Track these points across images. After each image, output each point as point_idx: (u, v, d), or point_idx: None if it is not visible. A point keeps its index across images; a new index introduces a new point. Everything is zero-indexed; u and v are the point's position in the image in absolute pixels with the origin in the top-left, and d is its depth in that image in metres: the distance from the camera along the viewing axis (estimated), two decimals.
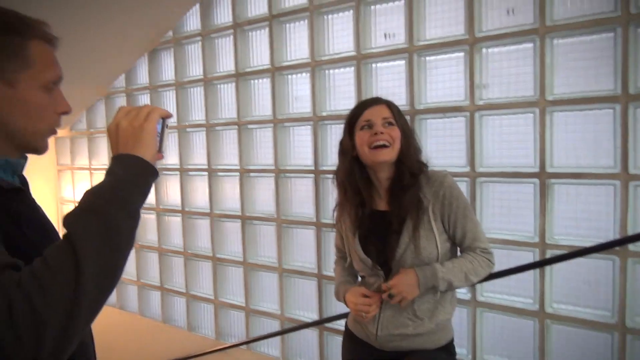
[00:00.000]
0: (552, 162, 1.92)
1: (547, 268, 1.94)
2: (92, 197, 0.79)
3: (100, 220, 0.75)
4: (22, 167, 0.98)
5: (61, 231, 0.79)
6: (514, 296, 2.06)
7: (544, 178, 1.92)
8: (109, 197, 0.78)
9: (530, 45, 1.94)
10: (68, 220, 0.75)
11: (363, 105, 1.63)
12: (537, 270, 1.96)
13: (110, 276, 0.75)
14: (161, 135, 0.91)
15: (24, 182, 1.01)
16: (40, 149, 0.95)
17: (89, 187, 0.80)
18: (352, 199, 1.66)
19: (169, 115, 0.93)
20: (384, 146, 1.53)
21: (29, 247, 0.84)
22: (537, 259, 1.97)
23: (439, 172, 1.59)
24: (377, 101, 1.62)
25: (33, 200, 1.01)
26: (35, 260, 0.73)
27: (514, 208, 2.03)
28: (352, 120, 1.62)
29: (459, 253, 1.62)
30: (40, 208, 1.03)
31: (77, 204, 0.78)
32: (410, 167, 1.55)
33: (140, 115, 0.88)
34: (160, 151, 0.90)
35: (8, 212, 0.85)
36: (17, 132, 0.90)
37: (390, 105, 1.61)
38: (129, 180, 0.83)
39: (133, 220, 0.80)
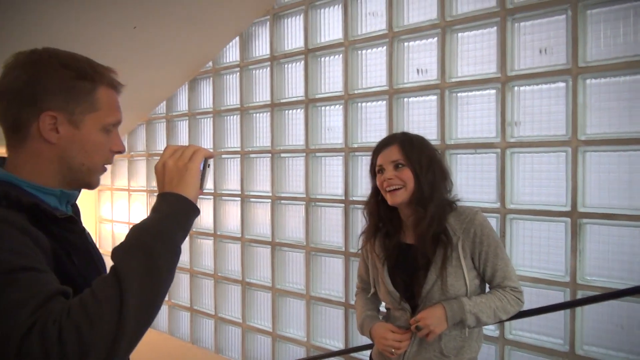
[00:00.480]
0: (584, 202, 1.90)
1: (578, 309, 1.91)
2: (138, 232, 0.83)
3: (145, 256, 0.79)
4: (75, 198, 1.05)
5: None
6: (544, 335, 2.03)
7: (575, 217, 1.91)
8: (153, 234, 0.83)
9: (562, 84, 1.96)
10: (116, 254, 0.80)
11: (377, 150, 1.66)
12: (568, 311, 1.93)
13: (150, 310, 0.79)
14: (203, 173, 0.97)
15: (76, 211, 1.07)
16: (92, 185, 1.02)
17: (136, 223, 0.86)
18: (379, 229, 1.70)
19: (212, 156, 0.99)
20: (396, 189, 1.57)
21: (77, 274, 0.89)
22: (568, 298, 1.95)
23: (470, 208, 1.60)
24: (389, 142, 1.63)
25: (83, 229, 1.08)
26: (84, 291, 0.77)
27: (545, 246, 2.02)
28: (372, 162, 1.68)
29: (487, 290, 1.62)
30: (89, 236, 1.09)
31: (125, 238, 0.83)
32: (422, 202, 1.56)
33: (185, 155, 0.94)
34: (201, 188, 0.96)
35: (60, 240, 0.91)
36: (75, 167, 0.97)
37: (403, 143, 1.61)
38: (172, 218, 0.87)
39: (174, 256, 0.84)
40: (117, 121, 1.01)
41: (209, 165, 0.99)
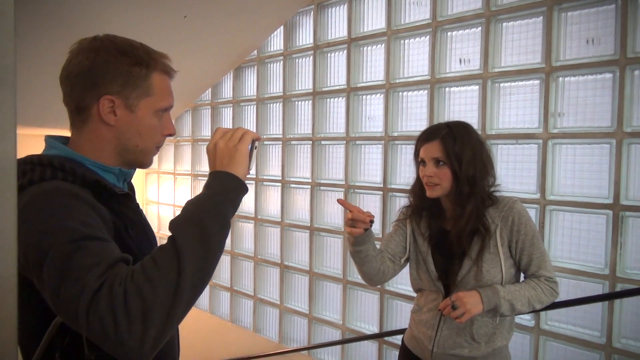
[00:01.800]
0: (627, 195, 1.88)
1: (617, 302, 1.90)
2: (193, 207, 0.90)
3: (199, 228, 0.86)
4: (131, 176, 1.13)
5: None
6: (580, 327, 2.03)
7: (617, 210, 1.90)
8: (207, 209, 0.90)
9: (609, 75, 1.93)
10: (173, 226, 0.87)
11: (421, 139, 1.67)
12: (606, 304, 1.93)
13: (203, 277, 0.85)
14: (250, 154, 1.04)
15: (132, 189, 1.15)
16: (145, 164, 1.10)
17: (190, 199, 0.93)
18: (426, 209, 1.73)
19: (259, 138, 1.05)
20: (434, 184, 1.60)
21: (134, 246, 0.97)
22: (607, 291, 1.94)
23: (509, 197, 1.62)
24: (432, 136, 1.62)
25: (138, 205, 1.16)
26: (145, 258, 0.84)
27: (584, 238, 2.01)
28: (415, 150, 1.71)
29: (522, 279, 1.64)
30: (142, 212, 1.18)
31: (180, 212, 0.90)
32: (458, 200, 1.58)
33: (234, 137, 1.00)
34: (249, 168, 1.02)
35: (119, 215, 0.99)
36: (130, 148, 1.05)
37: (445, 138, 1.60)
38: (223, 194, 0.94)
39: (225, 229, 0.91)
40: (169, 106, 1.07)
41: (255, 147, 1.06)
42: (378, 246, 1.79)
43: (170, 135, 1.11)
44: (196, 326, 4.11)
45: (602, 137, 1.95)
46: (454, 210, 1.61)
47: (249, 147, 1.02)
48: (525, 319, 2.13)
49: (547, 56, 2.08)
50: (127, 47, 1.03)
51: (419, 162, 1.65)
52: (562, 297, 1.74)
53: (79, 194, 0.91)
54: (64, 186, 0.92)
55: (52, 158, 0.96)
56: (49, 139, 1.03)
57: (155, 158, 4.54)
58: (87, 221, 0.87)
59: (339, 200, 1.60)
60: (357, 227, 1.57)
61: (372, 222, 1.57)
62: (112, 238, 0.91)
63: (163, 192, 4.55)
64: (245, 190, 1.00)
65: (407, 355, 1.82)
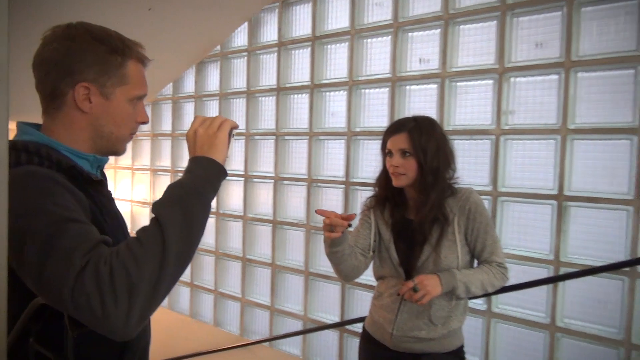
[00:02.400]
0: (570, 186, 2.06)
1: (560, 285, 2.07)
2: (176, 190, 0.93)
3: (182, 209, 0.89)
4: (104, 163, 1.15)
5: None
6: (528, 309, 2.19)
7: (561, 200, 2.07)
8: (188, 191, 0.93)
9: (555, 77, 2.10)
10: (156, 208, 0.90)
11: (388, 132, 1.77)
12: (551, 286, 2.09)
13: (186, 255, 0.89)
14: (228, 142, 1.09)
15: (104, 177, 1.17)
16: (119, 151, 1.12)
17: (172, 182, 0.95)
18: (388, 200, 1.83)
19: (237, 127, 1.09)
20: (400, 174, 1.71)
21: (109, 231, 0.99)
22: (551, 275, 2.10)
23: (466, 188, 1.74)
24: (399, 129, 1.72)
25: (110, 193, 1.18)
26: (128, 238, 0.86)
27: (531, 227, 2.17)
28: (383, 142, 1.81)
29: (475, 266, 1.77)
30: (114, 200, 1.21)
31: (162, 195, 0.92)
32: (423, 189, 1.69)
33: (214, 124, 1.03)
34: (226, 156, 1.08)
35: (94, 200, 1.01)
36: (105, 135, 1.06)
37: (412, 131, 1.69)
38: (204, 178, 0.97)
39: (206, 210, 0.94)
40: (143, 94, 1.09)
41: (233, 135, 1.11)
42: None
43: (144, 123, 1.13)
44: (155, 323, 4.05)
45: (548, 134, 2.11)
46: (418, 199, 1.72)
47: (227, 134, 1.08)
48: (478, 303, 2.27)
49: (500, 58, 2.23)
50: (103, 35, 1.05)
51: (386, 153, 1.75)
52: (511, 281, 1.89)
53: (56, 178, 0.93)
54: (41, 170, 0.93)
55: (27, 143, 0.97)
56: (22, 124, 1.04)
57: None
58: (66, 204, 0.89)
59: (317, 211, 1.66)
60: (335, 231, 1.64)
61: (350, 225, 1.64)
62: (90, 222, 0.92)
63: (120, 188, 4.46)
64: (224, 174, 1.03)
65: (368, 340, 1.91)
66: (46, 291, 0.82)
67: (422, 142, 1.68)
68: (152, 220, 0.89)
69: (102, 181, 1.12)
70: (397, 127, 1.75)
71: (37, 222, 0.83)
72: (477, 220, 1.69)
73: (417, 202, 1.76)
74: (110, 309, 0.78)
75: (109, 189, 1.18)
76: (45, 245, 0.81)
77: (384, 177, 1.82)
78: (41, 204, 0.86)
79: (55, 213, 0.85)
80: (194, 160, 1.01)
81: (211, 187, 0.99)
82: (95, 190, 1.06)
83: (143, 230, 0.88)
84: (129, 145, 3.66)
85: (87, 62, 1.01)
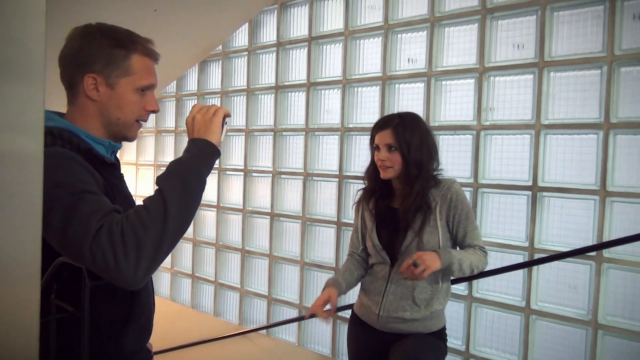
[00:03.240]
0: (543, 178, 2.20)
1: (534, 270, 2.21)
2: (176, 165, 1.10)
3: (182, 182, 1.05)
4: (118, 149, 1.30)
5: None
6: (505, 294, 2.33)
7: (535, 191, 2.21)
8: (187, 166, 1.09)
9: (531, 76, 2.25)
10: (160, 180, 1.06)
11: (376, 128, 1.92)
12: (526, 272, 2.23)
13: (185, 220, 1.04)
14: (222, 128, 1.25)
15: (118, 161, 1.32)
16: (129, 136, 1.25)
17: (173, 159, 1.11)
18: (375, 192, 2.00)
19: (229, 115, 1.26)
20: (387, 167, 1.87)
21: (119, 208, 1.11)
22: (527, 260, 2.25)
23: (448, 179, 1.89)
24: (386, 125, 1.86)
25: (122, 175, 1.35)
26: (137, 205, 1.05)
27: (509, 217, 2.32)
28: (371, 136, 1.97)
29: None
30: (126, 183, 1.36)
31: (165, 170, 1.08)
32: (407, 181, 1.84)
33: (210, 111, 1.19)
34: (220, 140, 1.22)
35: (107, 180, 1.15)
36: (113, 121, 1.20)
37: (397, 127, 1.83)
38: (200, 155, 1.13)
39: (202, 183, 1.10)
40: (149, 84, 1.21)
41: (226, 122, 1.27)
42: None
43: (154, 111, 1.25)
44: (157, 314, 4.19)
45: (524, 129, 2.26)
46: (404, 189, 1.87)
47: (222, 120, 1.24)
48: (459, 289, 2.42)
49: (481, 58, 2.38)
50: (111, 32, 1.19)
51: (374, 147, 1.90)
52: (490, 267, 2.05)
53: (76, 158, 1.07)
54: (63, 151, 1.07)
55: (52, 128, 1.11)
56: (47, 112, 1.17)
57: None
58: (83, 179, 1.03)
59: (308, 317, 1.98)
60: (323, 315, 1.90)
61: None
62: (104, 195, 1.06)
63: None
64: (218, 153, 1.19)
65: (357, 322, 2.05)
66: (68, 248, 0.97)
67: (406, 137, 1.83)
68: (156, 190, 1.05)
69: (115, 164, 1.28)
70: (383, 123, 1.91)
71: (61, 193, 0.98)
72: (459, 208, 1.83)
73: (402, 192, 1.91)
74: (121, 262, 0.93)
75: (122, 172, 1.34)
76: (68, 211, 0.96)
77: (373, 170, 1.98)
78: (64, 178, 1.01)
79: (75, 185, 1.00)
80: (192, 142, 1.17)
81: (206, 164, 1.14)
82: (109, 172, 1.20)
83: (148, 199, 1.03)
84: (133, 142, 3.78)
85: (94, 55, 1.15)
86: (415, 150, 1.83)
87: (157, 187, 1.05)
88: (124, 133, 1.24)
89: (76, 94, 1.20)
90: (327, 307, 1.88)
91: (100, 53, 1.17)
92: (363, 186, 2.04)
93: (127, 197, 1.31)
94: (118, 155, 1.37)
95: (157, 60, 1.27)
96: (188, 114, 1.18)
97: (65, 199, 0.98)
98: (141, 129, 4.07)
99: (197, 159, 1.13)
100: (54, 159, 1.03)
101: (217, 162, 3.55)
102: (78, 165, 1.06)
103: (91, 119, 1.20)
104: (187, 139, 1.19)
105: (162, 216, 0.99)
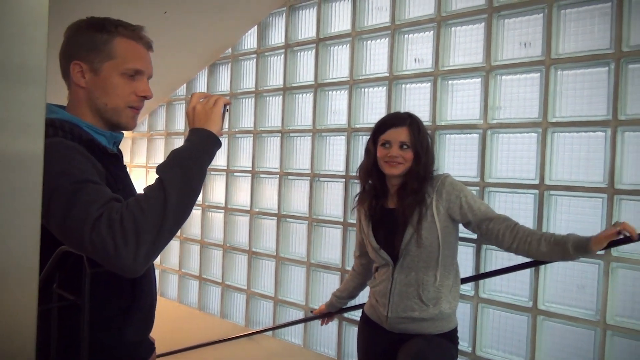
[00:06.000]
0: (551, 176, 2.18)
1: (542, 271, 2.18)
2: (177, 154, 1.11)
3: (182, 170, 1.06)
4: (119, 140, 1.31)
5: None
6: (512, 295, 2.30)
7: (543, 189, 2.19)
8: (187, 155, 1.11)
9: (537, 74, 2.24)
10: (160, 168, 1.08)
11: (388, 123, 1.94)
12: (533, 272, 2.20)
13: (184, 209, 1.06)
14: (223, 116, 1.26)
15: (120, 153, 1.34)
16: (121, 123, 1.26)
17: (174, 149, 1.12)
18: (368, 192, 2.01)
19: (230, 103, 1.27)
20: (398, 163, 1.88)
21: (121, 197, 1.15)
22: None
23: (440, 175, 1.92)
24: (400, 122, 1.90)
25: (125, 167, 1.36)
26: (137, 193, 1.07)
27: (516, 215, 2.26)
28: (377, 133, 1.97)
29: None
30: (129, 174, 1.38)
31: (165, 159, 1.09)
32: (416, 179, 1.87)
33: (210, 101, 1.21)
34: (221, 128, 1.23)
35: (109, 170, 1.18)
36: (101, 107, 1.22)
37: (411, 126, 1.89)
38: (201, 145, 1.15)
39: (202, 173, 1.12)
40: (135, 68, 1.22)
41: (227, 110, 1.28)
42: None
43: (145, 97, 1.25)
44: (165, 315, 4.21)
45: (531, 127, 2.24)
46: (406, 185, 1.89)
47: (222, 109, 1.25)
48: (466, 289, 2.38)
49: (488, 57, 2.37)
50: (95, 20, 1.21)
51: (382, 144, 1.92)
52: (497, 266, 2.03)
53: (78, 148, 1.09)
54: (65, 142, 1.09)
55: (53, 120, 1.14)
56: (49, 105, 1.20)
57: (128, 151, 4.63)
58: (84, 169, 1.05)
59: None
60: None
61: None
62: (105, 184, 1.08)
63: (136, 186, 4.65)
64: (219, 143, 1.21)
65: (367, 322, 2.08)
66: (69, 236, 0.98)
67: (420, 138, 1.90)
68: (156, 179, 1.05)
69: (118, 155, 1.30)
70: (396, 120, 1.94)
71: (62, 182, 0.99)
72: (460, 196, 1.85)
73: (399, 191, 1.93)
74: (120, 249, 0.93)
75: (125, 163, 1.36)
76: (69, 200, 0.97)
77: (371, 166, 1.99)
78: (65, 167, 1.02)
79: (76, 175, 1.01)
80: (192, 131, 1.19)
81: (207, 153, 1.15)
82: (111, 163, 1.22)
83: (148, 187, 1.04)
84: (143, 144, 3.83)
85: (78, 43, 1.18)
86: (425, 151, 1.90)
87: (157, 176, 1.06)
88: (117, 119, 1.24)
89: (69, 84, 1.22)
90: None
91: (83, 40, 1.19)
92: (359, 191, 2.09)
93: (129, 188, 1.33)
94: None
95: (148, 45, 1.27)
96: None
97: (66, 188, 0.98)
98: (152, 132, 4.10)
99: (198, 148, 1.14)
100: (55, 149, 1.04)
101: (225, 164, 3.57)
102: (79, 154, 1.07)
103: (83, 107, 1.22)
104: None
105: (161, 204, 1.00)
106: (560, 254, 1.69)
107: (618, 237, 1.63)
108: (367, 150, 2.03)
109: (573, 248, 1.65)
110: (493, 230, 1.81)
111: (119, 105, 1.23)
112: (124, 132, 1.32)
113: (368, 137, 2.90)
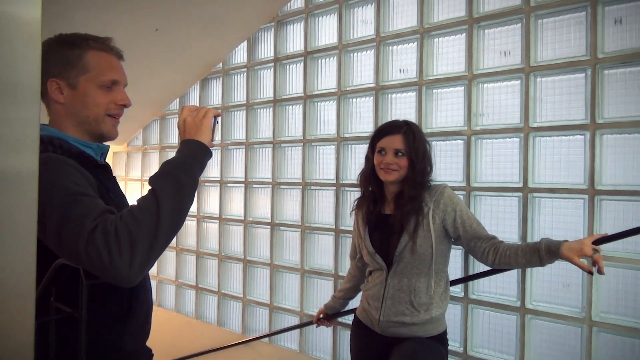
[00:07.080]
0: (533, 179, 2.26)
1: (528, 271, 2.24)
2: (169, 165, 1.14)
3: (174, 181, 1.09)
4: (107, 151, 1.34)
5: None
6: (500, 295, 2.37)
7: (526, 192, 2.26)
8: (179, 166, 1.13)
9: (517, 81, 2.32)
10: (152, 179, 1.10)
11: (384, 131, 1.98)
12: (520, 273, 2.27)
13: (177, 219, 1.08)
14: (213, 128, 1.31)
15: (108, 165, 1.36)
16: (105, 134, 1.28)
17: (166, 160, 1.15)
18: (367, 197, 2.06)
19: (219, 114, 1.30)
20: (393, 170, 1.93)
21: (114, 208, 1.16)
22: None
23: (439, 185, 1.96)
24: (395, 130, 1.94)
25: (114, 178, 1.38)
26: (130, 205, 1.10)
27: (501, 218, 2.36)
28: (374, 140, 2.03)
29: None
30: (118, 184, 1.39)
31: (157, 170, 1.12)
32: (412, 186, 1.92)
33: (200, 113, 1.24)
34: (212, 139, 1.27)
35: (101, 181, 1.20)
36: (83, 119, 1.24)
37: (406, 134, 1.91)
38: (192, 156, 1.17)
39: (194, 183, 1.14)
40: (111, 79, 1.25)
41: (217, 122, 1.33)
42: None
43: (124, 105, 1.28)
44: (163, 325, 4.25)
45: (513, 132, 2.32)
46: (403, 191, 1.93)
47: (212, 121, 1.29)
48: (455, 291, 2.45)
49: (470, 66, 2.46)
50: (65, 37, 1.24)
51: (378, 151, 1.97)
52: (484, 268, 2.09)
53: (69, 162, 1.12)
54: (56, 156, 1.12)
55: (41, 136, 1.15)
56: None
57: (123, 165, 4.66)
58: (77, 182, 1.07)
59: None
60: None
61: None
62: (98, 197, 1.10)
63: (130, 199, 4.68)
64: (209, 153, 1.23)
65: (359, 326, 2.11)
66: (65, 249, 1.00)
67: (415, 145, 1.92)
68: (149, 190, 1.08)
69: (107, 166, 1.32)
70: (391, 128, 1.98)
71: (56, 195, 1.01)
72: (456, 210, 1.89)
73: (396, 198, 1.98)
74: (115, 259, 0.95)
75: (114, 175, 1.39)
76: (63, 213, 0.99)
77: (370, 172, 2.05)
78: (58, 181, 1.04)
79: (69, 188, 1.04)
80: (183, 143, 1.21)
81: (198, 164, 1.18)
82: (102, 174, 1.25)
83: (141, 199, 1.07)
84: (138, 158, 3.89)
85: (51, 61, 1.20)
86: (422, 158, 1.92)
87: (150, 187, 1.08)
88: (100, 129, 1.27)
89: (48, 102, 1.24)
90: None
91: (55, 57, 1.21)
92: (359, 195, 2.13)
93: (121, 199, 1.35)
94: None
95: (119, 55, 1.29)
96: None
97: (60, 201, 1.00)
98: (146, 145, 4.14)
99: (189, 158, 1.17)
100: (47, 163, 1.06)
101: (219, 175, 3.62)
102: (71, 168, 1.10)
103: (66, 123, 1.24)
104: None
105: (155, 214, 1.02)
106: (537, 261, 1.75)
107: (585, 269, 1.64)
108: (366, 157, 2.08)
109: (545, 252, 1.72)
110: (479, 249, 1.88)
111: (99, 114, 1.25)
112: (108, 143, 1.34)
113: (357, 146, 3.01)
